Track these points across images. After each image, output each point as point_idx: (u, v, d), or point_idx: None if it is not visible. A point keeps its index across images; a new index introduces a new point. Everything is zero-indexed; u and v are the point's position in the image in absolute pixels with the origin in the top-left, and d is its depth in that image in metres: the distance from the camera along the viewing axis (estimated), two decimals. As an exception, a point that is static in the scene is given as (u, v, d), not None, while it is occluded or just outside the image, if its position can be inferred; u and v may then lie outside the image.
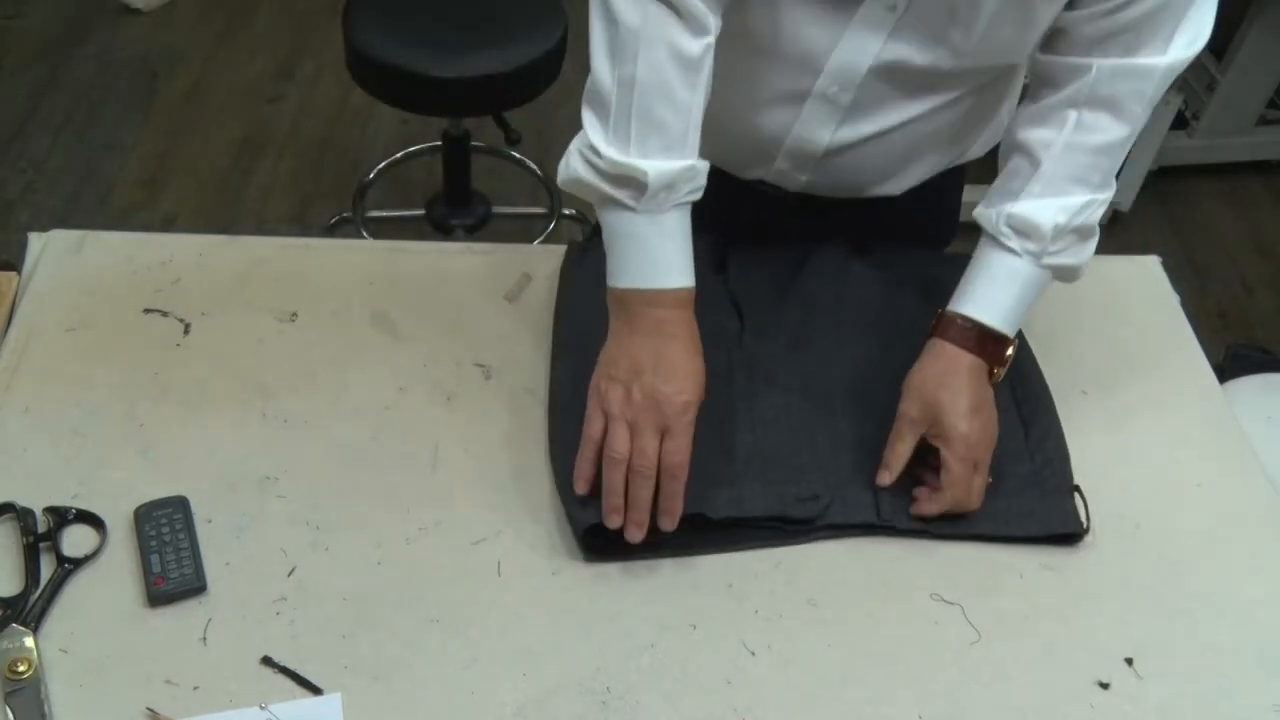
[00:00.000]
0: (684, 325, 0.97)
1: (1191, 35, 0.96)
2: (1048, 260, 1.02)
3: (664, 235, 0.95)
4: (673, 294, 0.96)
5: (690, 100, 0.94)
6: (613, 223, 0.96)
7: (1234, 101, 2.75)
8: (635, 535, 0.94)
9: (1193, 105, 2.79)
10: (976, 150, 1.21)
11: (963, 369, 1.01)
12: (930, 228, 1.30)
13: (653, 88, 0.92)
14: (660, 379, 0.94)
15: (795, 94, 1.06)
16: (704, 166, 0.96)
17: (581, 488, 0.97)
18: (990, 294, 1.03)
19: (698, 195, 0.97)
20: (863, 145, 1.10)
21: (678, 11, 0.91)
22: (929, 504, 1.01)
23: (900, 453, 1.02)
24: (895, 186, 1.19)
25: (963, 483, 1.00)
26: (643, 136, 0.93)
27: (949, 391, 1.00)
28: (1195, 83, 2.76)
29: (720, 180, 1.19)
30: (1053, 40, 1.00)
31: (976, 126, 1.18)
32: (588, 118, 0.95)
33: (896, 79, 1.03)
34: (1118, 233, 2.73)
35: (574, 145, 0.97)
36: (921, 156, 1.17)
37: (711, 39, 0.94)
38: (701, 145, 1.13)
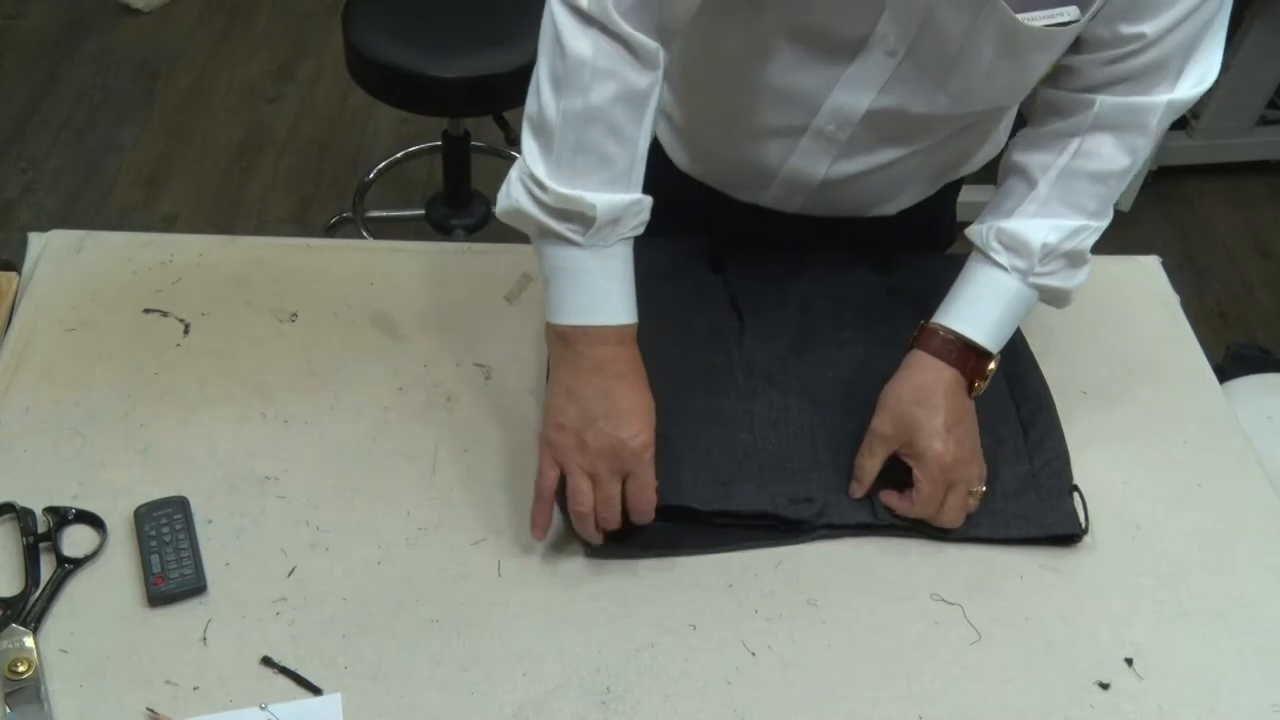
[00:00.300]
0: (629, 362, 0.94)
1: (1200, 75, 0.96)
2: (1035, 280, 1.01)
3: (608, 271, 0.93)
4: (617, 330, 0.93)
5: (637, 134, 0.91)
6: (553, 258, 0.93)
7: (1234, 101, 2.75)
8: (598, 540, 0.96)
9: (1193, 105, 2.78)
10: (972, 167, 1.22)
11: (942, 383, 0.99)
12: (928, 236, 1.30)
13: (600, 121, 0.89)
14: (614, 424, 0.91)
15: (791, 129, 1.06)
16: (649, 201, 0.94)
17: (539, 535, 0.96)
18: (975, 308, 1.01)
19: (641, 230, 0.94)
20: (859, 178, 1.11)
21: (628, 46, 0.89)
22: (899, 506, 1.01)
23: (869, 468, 1.01)
24: (891, 208, 1.20)
25: (932, 502, 0.99)
26: (588, 170, 0.90)
27: (925, 409, 0.98)
28: (1195, 83, 2.76)
29: (714, 198, 1.20)
30: (1059, 75, 0.99)
31: (973, 151, 1.18)
32: (529, 148, 0.92)
33: (894, 120, 1.03)
34: (1118, 233, 2.72)
35: (514, 174, 0.93)
36: (918, 183, 1.18)
37: (660, 74, 0.92)
38: (695, 168, 1.14)
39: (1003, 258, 1.01)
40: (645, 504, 0.94)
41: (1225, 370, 2.00)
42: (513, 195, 0.93)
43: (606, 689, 0.90)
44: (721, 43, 1.03)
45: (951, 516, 1.00)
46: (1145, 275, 1.32)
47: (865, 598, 0.97)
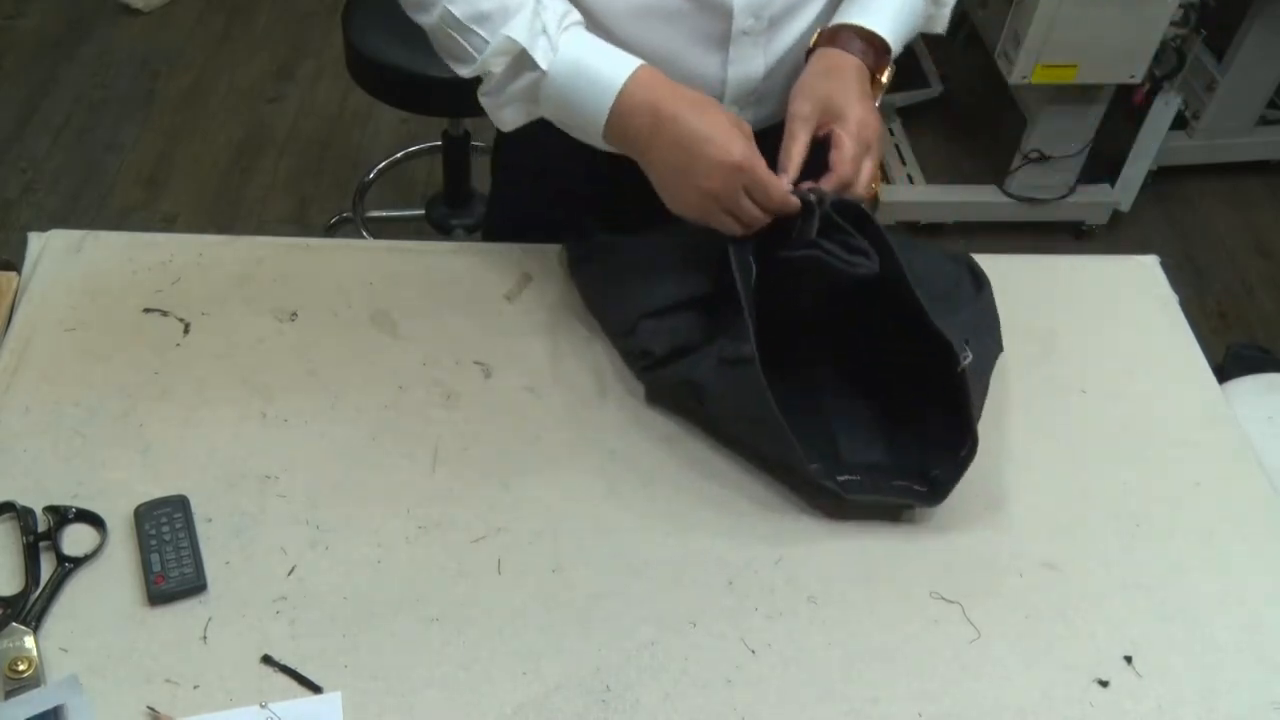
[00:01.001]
0: (671, 92, 0.98)
1: None
2: None
3: (579, 56, 0.98)
4: (638, 72, 0.98)
5: None
6: (547, 97, 1.00)
7: (1234, 101, 2.75)
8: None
9: (1193, 105, 2.79)
10: None
11: (849, 69, 1.06)
12: None
13: None
14: (711, 150, 0.96)
15: (718, 37, 1.08)
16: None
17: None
18: (874, 4, 1.09)
19: (576, 18, 1.00)
20: (790, 56, 1.13)
21: None
22: (822, 184, 1.03)
23: (795, 152, 1.04)
24: None
25: (854, 160, 1.02)
26: (492, 17, 0.98)
27: (839, 82, 1.05)
28: (1195, 83, 2.76)
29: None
30: None
31: None
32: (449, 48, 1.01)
33: None
34: (1118, 233, 2.74)
35: (494, 78, 1.01)
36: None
37: None
38: None
39: None
40: (780, 203, 0.98)
41: (1225, 370, 2.00)
42: (501, 100, 1.02)
43: (606, 688, 0.90)
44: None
45: (864, 184, 1.03)
46: (1145, 275, 1.32)
47: (865, 595, 0.98)
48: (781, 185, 1.00)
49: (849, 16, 1.09)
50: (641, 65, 0.99)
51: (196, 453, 1.02)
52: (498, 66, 1.00)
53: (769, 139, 1.18)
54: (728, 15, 1.06)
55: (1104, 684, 0.93)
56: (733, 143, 0.97)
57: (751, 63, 1.11)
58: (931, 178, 2.77)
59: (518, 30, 0.96)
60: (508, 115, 1.05)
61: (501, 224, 1.35)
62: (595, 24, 1.07)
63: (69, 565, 0.93)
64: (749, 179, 0.97)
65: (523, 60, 0.98)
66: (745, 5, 1.06)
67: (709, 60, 1.10)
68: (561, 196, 1.26)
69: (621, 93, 0.98)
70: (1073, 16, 2.20)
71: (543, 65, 0.97)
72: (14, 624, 0.88)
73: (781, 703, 0.90)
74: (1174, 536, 1.05)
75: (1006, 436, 1.11)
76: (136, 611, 0.91)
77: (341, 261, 1.21)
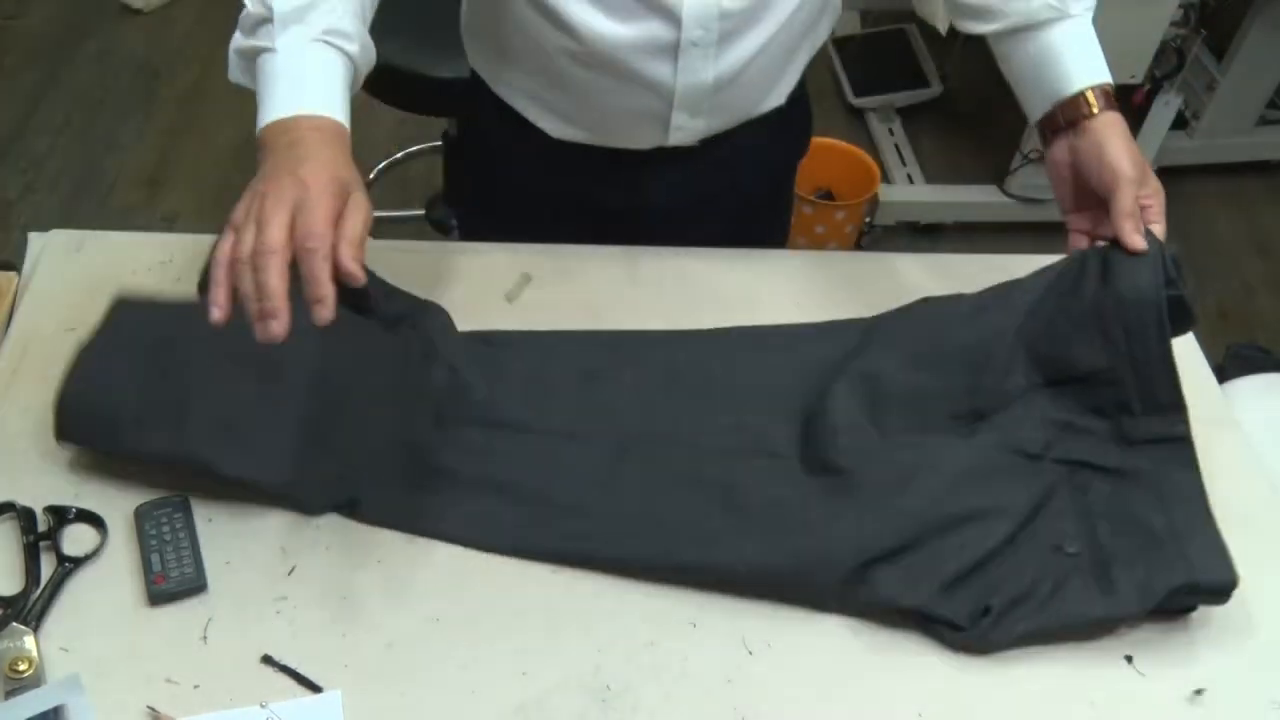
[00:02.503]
0: (324, 138, 0.89)
1: None
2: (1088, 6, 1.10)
3: (305, 67, 0.91)
4: (310, 119, 0.89)
5: None
6: (259, 71, 0.93)
7: (1234, 101, 2.75)
8: (276, 330, 0.78)
9: (1193, 105, 2.79)
10: (824, 31, 1.24)
11: (1122, 125, 1.08)
12: (797, 130, 1.35)
13: None
14: (294, 166, 0.84)
15: (667, 45, 1.08)
16: (345, 10, 0.93)
17: (218, 316, 0.81)
18: (1086, 60, 1.10)
19: (332, 37, 0.92)
20: (745, 69, 1.13)
21: None
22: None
23: (1131, 209, 1.03)
24: (779, 96, 1.22)
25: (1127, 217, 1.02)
26: None
27: (1131, 143, 1.07)
28: (1195, 83, 2.76)
29: (601, 158, 1.22)
30: None
31: (822, 10, 1.20)
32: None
33: (753, 2, 1.07)
34: (1118, 233, 2.73)
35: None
36: (792, 56, 1.20)
37: None
38: (596, 123, 1.18)
39: (1067, 6, 1.08)
40: (313, 235, 0.80)
41: (1225, 370, 2.00)
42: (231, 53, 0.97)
43: (606, 687, 0.90)
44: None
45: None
46: (1145, 275, 1.32)
47: (865, 597, 0.97)
48: (322, 225, 0.82)
49: (1084, 77, 1.09)
50: (335, 120, 0.92)
51: (196, 453, 1.02)
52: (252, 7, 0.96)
53: (720, 145, 1.22)
54: (676, 23, 1.06)
55: (1104, 684, 0.93)
56: (332, 170, 0.87)
57: (701, 73, 1.11)
58: (931, 178, 2.77)
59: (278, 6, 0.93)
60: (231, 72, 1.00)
61: (485, 227, 1.34)
62: (545, 10, 1.07)
63: (69, 565, 0.93)
64: (311, 196, 0.83)
65: (264, 25, 0.94)
66: (694, 16, 1.05)
67: (658, 66, 1.10)
68: (505, 184, 1.29)
69: (296, 116, 0.90)
70: (1073, 16, 2.20)
71: (274, 46, 0.93)
72: (14, 624, 0.88)
73: (781, 703, 0.90)
74: (1174, 536, 1.05)
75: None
76: (136, 611, 0.91)
77: (341, 261, 1.21)
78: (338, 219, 0.83)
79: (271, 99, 0.91)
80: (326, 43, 0.92)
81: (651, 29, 1.07)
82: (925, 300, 1.12)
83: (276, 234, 0.81)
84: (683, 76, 1.11)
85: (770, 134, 1.25)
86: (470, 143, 1.31)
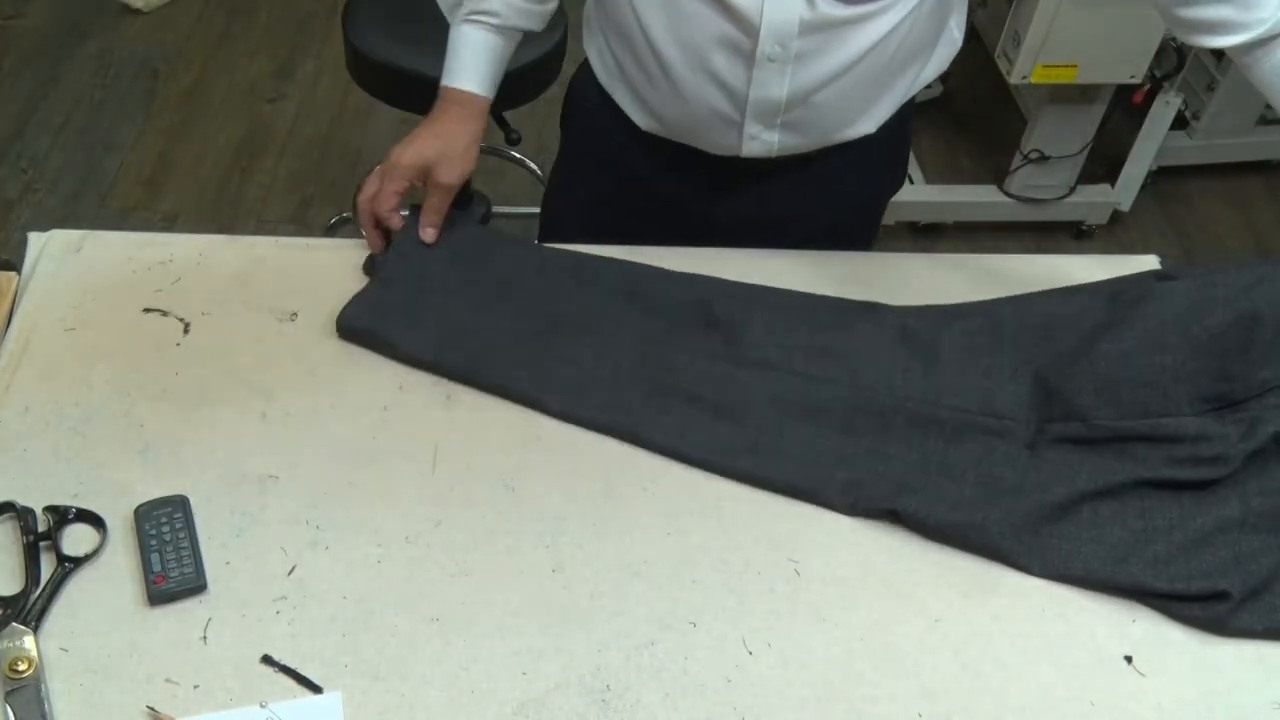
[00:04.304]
0: (466, 108, 1.20)
1: None
2: None
3: (458, 43, 1.20)
4: (457, 92, 1.19)
5: None
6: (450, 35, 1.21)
7: (1234, 101, 2.75)
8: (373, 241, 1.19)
9: (1193, 105, 2.78)
10: (932, 70, 1.23)
11: None
12: (891, 162, 1.34)
13: None
14: (403, 145, 1.17)
15: (744, 55, 1.09)
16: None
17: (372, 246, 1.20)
18: None
19: (489, 19, 1.18)
20: (823, 90, 1.13)
21: None
22: None
23: None
24: (869, 124, 1.21)
25: None
26: None
27: None
28: (1195, 83, 2.76)
29: (688, 156, 1.24)
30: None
31: (928, 45, 1.19)
32: None
33: (831, 26, 1.07)
34: (1118, 233, 2.74)
35: None
36: (883, 87, 1.19)
37: None
38: (677, 119, 1.21)
39: None
40: (432, 210, 1.19)
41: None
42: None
43: (606, 687, 0.90)
44: None
45: None
46: (1145, 275, 1.32)
47: (865, 595, 0.98)
48: (372, 193, 1.18)
49: None
50: (475, 94, 1.21)
51: (196, 453, 1.02)
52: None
53: (800, 166, 1.22)
54: (754, 35, 1.07)
55: (1104, 684, 0.93)
56: (451, 146, 1.19)
57: (773, 87, 1.12)
58: (931, 178, 2.77)
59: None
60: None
61: (561, 181, 1.43)
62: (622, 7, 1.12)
63: (69, 565, 0.93)
64: (439, 171, 1.18)
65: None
66: (771, 31, 1.07)
67: (734, 72, 1.11)
68: (605, 164, 1.33)
69: (447, 86, 1.22)
70: (1073, 16, 2.20)
71: (449, 19, 1.21)
72: (14, 624, 0.88)
73: (781, 703, 0.90)
74: (1174, 536, 1.05)
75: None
76: (136, 611, 0.91)
77: (341, 261, 1.21)
78: (405, 190, 1.19)
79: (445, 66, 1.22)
80: (473, 21, 1.19)
81: (729, 34, 1.08)
82: (1159, 278, 1.11)
83: (364, 194, 1.19)
84: (755, 89, 1.12)
85: (858, 163, 1.25)
86: (572, 123, 1.38)
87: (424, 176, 1.17)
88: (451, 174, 1.18)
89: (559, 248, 1.22)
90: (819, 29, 1.07)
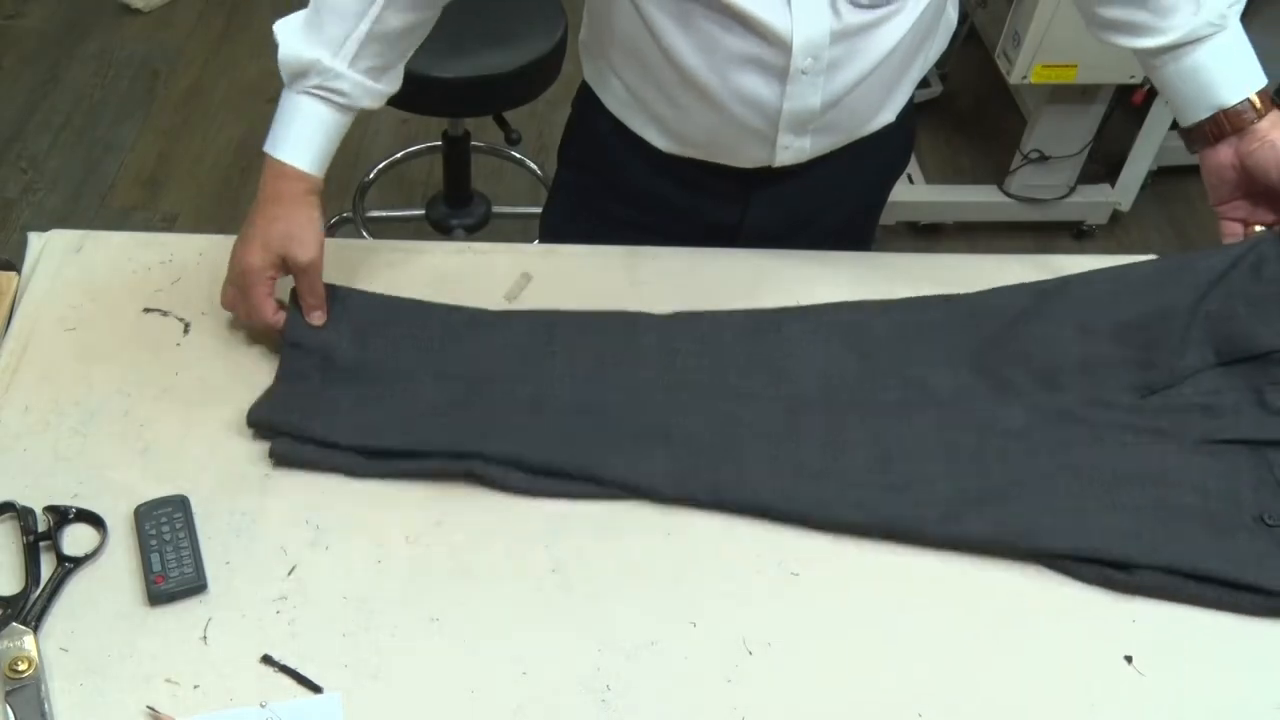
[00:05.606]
0: (302, 197, 1.06)
1: None
2: (1233, 12, 1.12)
3: (292, 113, 1.06)
4: (290, 169, 1.05)
5: (361, 10, 1.03)
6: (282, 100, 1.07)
7: (1234, 101, 2.74)
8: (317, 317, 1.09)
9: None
10: (936, 50, 1.24)
11: None
12: (904, 145, 1.35)
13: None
14: (242, 242, 1.06)
15: (776, 70, 1.08)
16: (342, 71, 1.05)
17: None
18: (1243, 67, 1.15)
19: (337, 98, 1.06)
20: (853, 90, 1.13)
21: None
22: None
23: None
24: (891, 113, 1.22)
25: None
26: (316, 23, 1.04)
27: None
28: (1195, 83, 2.76)
29: (712, 172, 1.23)
30: None
31: (935, 27, 1.20)
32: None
33: (859, 30, 1.07)
34: (1118, 233, 2.74)
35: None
36: (903, 75, 1.20)
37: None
38: (705, 140, 1.18)
39: (1210, 22, 1.12)
40: (309, 292, 1.07)
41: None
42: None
43: (606, 687, 0.90)
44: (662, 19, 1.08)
45: None
46: (1145, 275, 1.32)
47: (865, 595, 0.97)
48: (245, 312, 1.08)
49: (1247, 85, 1.15)
50: (306, 173, 1.06)
51: (196, 453, 1.02)
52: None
53: (827, 164, 1.22)
54: (786, 52, 1.06)
55: (1104, 684, 0.93)
56: (248, 246, 1.05)
57: (808, 99, 1.11)
58: (931, 178, 2.77)
59: (287, 49, 1.04)
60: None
61: (563, 210, 1.40)
62: (647, 24, 1.09)
63: (69, 565, 0.93)
64: (304, 276, 1.07)
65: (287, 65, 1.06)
66: (804, 46, 1.06)
67: (767, 89, 1.10)
68: (621, 191, 1.30)
69: (280, 162, 1.07)
70: (1073, 16, 2.19)
71: (286, 85, 1.06)
72: (14, 624, 0.88)
73: (781, 703, 0.90)
74: (1174, 536, 1.05)
75: (1006, 436, 1.11)
76: (136, 611, 0.91)
77: (341, 261, 1.21)
78: (272, 289, 1.07)
79: (272, 131, 1.08)
80: (315, 95, 1.06)
81: (760, 54, 1.07)
82: (1090, 273, 1.15)
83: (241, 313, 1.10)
84: (789, 102, 1.11)
85: (876, 151, 1.25)
86: (579, 154, 1.33)
87: (280, 267, 1.06)
88: (307, 252, 1.05)
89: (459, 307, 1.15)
90: (848, 36, 1.07)
